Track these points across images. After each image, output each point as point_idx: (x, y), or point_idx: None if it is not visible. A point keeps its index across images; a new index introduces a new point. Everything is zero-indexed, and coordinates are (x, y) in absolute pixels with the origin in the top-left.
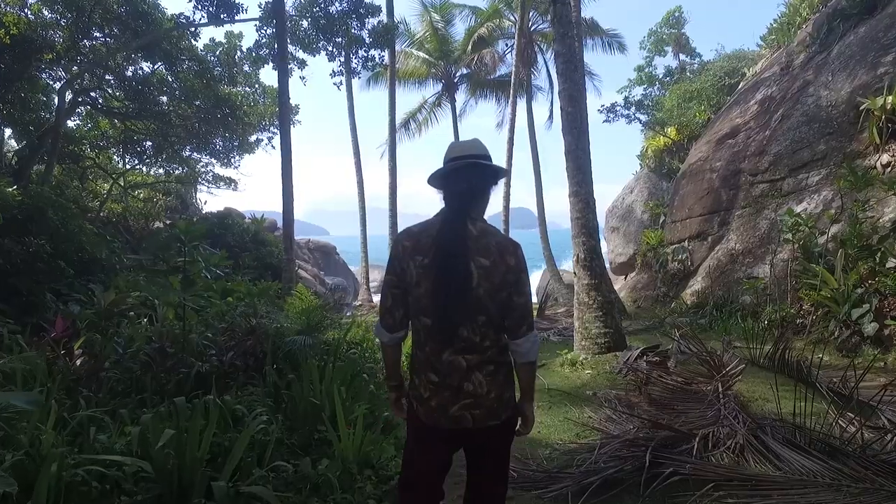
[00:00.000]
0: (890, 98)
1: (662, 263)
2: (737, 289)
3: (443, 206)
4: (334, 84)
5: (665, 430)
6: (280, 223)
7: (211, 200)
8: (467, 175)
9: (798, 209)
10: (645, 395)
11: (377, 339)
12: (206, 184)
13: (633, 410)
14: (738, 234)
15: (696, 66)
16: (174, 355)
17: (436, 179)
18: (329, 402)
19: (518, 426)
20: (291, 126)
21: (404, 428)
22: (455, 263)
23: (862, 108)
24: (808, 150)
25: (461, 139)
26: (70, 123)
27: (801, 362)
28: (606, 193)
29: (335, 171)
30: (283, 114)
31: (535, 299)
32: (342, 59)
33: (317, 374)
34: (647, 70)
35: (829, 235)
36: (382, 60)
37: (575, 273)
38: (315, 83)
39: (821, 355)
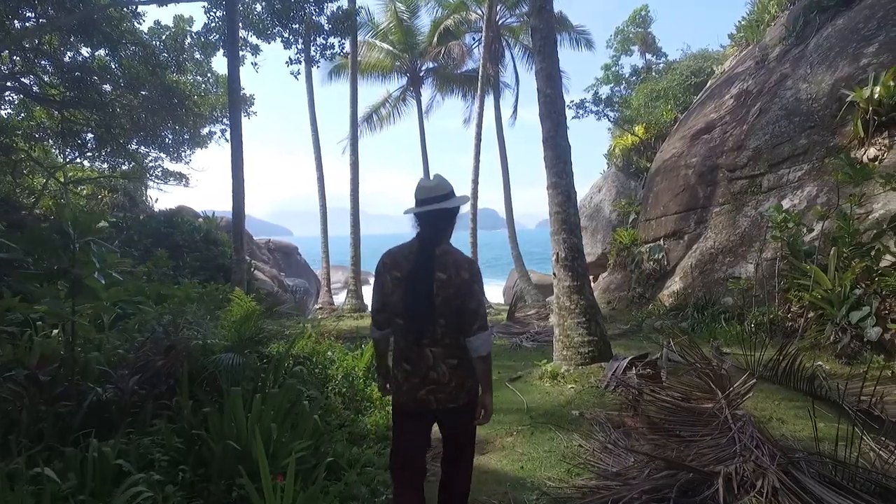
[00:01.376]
0: (878, 89)
1: (637, 263)
2: (718, 289)
3: (416, 229)
4: (291, 73)
5: (677, 470)
6: (229, 220)
7: (164, 198)
8: (432, 220)
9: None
10: (642, 416)
11: (367, 339)
12: (155, 180)
13: (630, 439)
14: (717, 233)
15: (661, 65)
16: (58, 382)
17: (411, 213)
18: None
19: (479, 417)
20: (245, 117)
21: (355, 472)
22: (420, 280)
23: (847, 100)
24: (789, 145)
25: (429, 176)
26: (0, 112)
27: (814, 374)
28: (586, 187)
29: (299, 171)
30: (233, 102)
31: (502, 300)
32: (299, 46)
33: (241, 407)
34: (613, 69)
35: (817, 233)
36: (343, 48)
37: (554, 274)
38: (279, 77)
39: (821, 363)
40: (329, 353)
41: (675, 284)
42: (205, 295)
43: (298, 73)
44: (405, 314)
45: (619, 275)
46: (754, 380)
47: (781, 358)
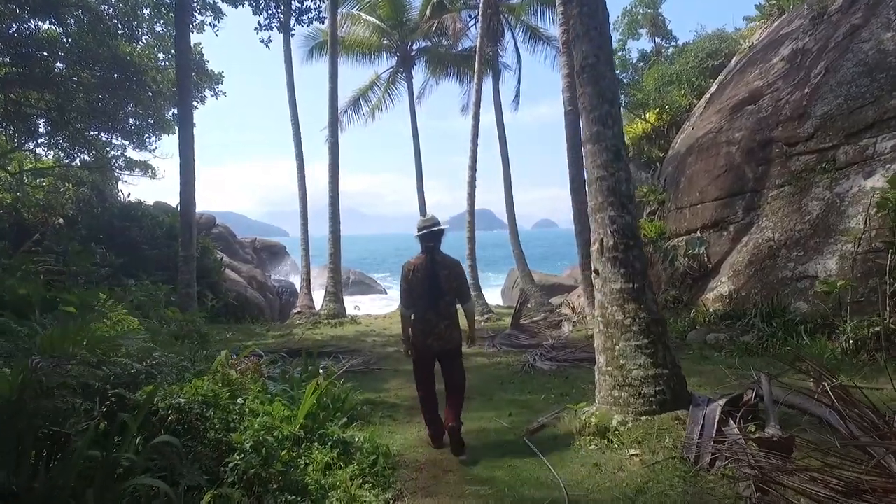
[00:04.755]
0: None
1: (670, 260)
2: (785, 292)
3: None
4: (261, 41)
5: None
6: (220, 220)
7: (140, 194)
8: (431, 238)
9: (867, 184)
10: None
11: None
12: (118, 170)
13: None
14: (777, 221)
15: (671, 49)
16: None
17: (417, 237)
18: None
19: (467, 345)
20: (213, 97)
21: None
22: (431, 275)
23: None
24: (873, 108)
25: (426, 215)
26: None
27: None
28: None
29: (294, 170)
30: (181, 67)
31: (500, 302)
32: (271, 11)
33: None
34: (620, 54)
35: None
36: (320, 12)
37: (595, 271)
38: (278, 73)
39: None
40: (240, 400)
41: (721, 286)
42: (106, 301)
43: (269, 41)
44: (424, 295)
45: None
46: None
47: None
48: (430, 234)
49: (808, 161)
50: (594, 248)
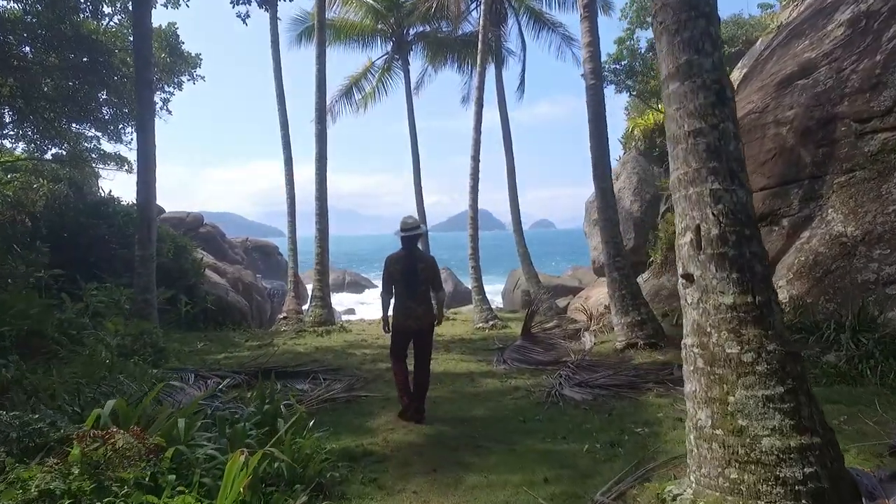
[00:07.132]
0: None
1: None
2: (869, 299)
3: (400, 245)
4: (238, 16)
5: None
6: (216, 221)
7: (122, 191)
8: (411, 239)
9: None
10: None
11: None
12: (92, 164)
13: None
14: (848, 212)
15: None
16: None
17: (398, 237)
18: None
19: (435, 324)
20: (190, 82)
21: None
22: (410, 267)
23: None
24: None
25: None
26: None
27: None
28: (584, 188)
29: (295, 169)
30: (139, 36)
31: (501, 304)
32: None
33: None
34: (628, 43)
35: None
36: None
37: (685, 276)
38: (289, 71)
39: None
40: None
41: (779, 291)
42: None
43: (247, 17)
44: (403, 284)
45: (675, 278)
46: None
47: None
48: (411, 237)
49: (888, 139)
50: (683, 240)
